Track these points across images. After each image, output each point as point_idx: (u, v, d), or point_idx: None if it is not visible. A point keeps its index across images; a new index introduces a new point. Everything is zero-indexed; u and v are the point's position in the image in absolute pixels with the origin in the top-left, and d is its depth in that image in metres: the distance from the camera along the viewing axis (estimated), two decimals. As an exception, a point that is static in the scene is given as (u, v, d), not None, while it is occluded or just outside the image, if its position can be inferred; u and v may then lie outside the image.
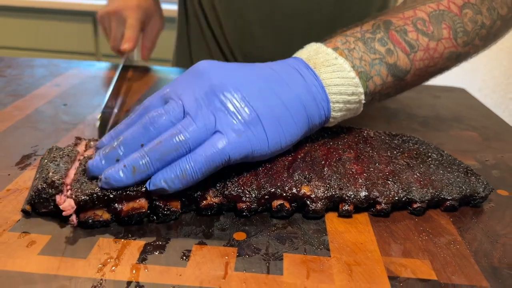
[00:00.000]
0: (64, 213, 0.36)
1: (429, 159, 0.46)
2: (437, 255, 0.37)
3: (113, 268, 0.33)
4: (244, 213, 0.39)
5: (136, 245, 0.36)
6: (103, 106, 0.56)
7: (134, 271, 0.33)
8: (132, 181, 0.36)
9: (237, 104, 0.38)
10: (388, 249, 0.37)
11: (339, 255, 0.36)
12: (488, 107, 0.74)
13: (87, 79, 0.74)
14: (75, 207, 0.36)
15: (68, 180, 0.38)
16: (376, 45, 0.44)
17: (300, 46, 0.46)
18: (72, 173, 0.39)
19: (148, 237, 0.37)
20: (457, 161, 0.47)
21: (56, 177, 0.37)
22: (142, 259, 0.34)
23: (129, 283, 0.32)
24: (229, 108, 0.37)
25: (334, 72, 0.42)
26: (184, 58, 0.91)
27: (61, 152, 0.41)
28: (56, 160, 0.40)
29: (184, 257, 0.34)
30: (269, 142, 0.38)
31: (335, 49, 0.43)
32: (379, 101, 0.48)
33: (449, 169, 0.45)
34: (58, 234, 0.36)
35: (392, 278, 0.34)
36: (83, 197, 0.36)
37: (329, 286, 0.33)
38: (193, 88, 0.39)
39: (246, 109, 0.38)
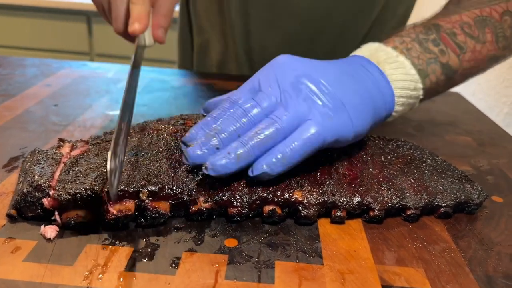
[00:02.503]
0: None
1: (424, 164, 0.46)
2: (431, 263, 0.36)
3: (100, 275, 0.32)
4: (235, 219, 0.39)
5: (124, 252, 0.35)
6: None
7: (121, 279, 0.32)
8: (236, 167, 0.38)
9: (323, 92, 0.40)
10: (381, 257, 0.36)
11: (332, 263, 0.35)
12: (482, 110, 0.74)
13: (79, 79, 0.73)
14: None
15: (54, 183, 0.37)
16: (430, 45, 0.47)
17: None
18: (58, 176, 0.38)
19: (136, 243, 0.36)
20: (452, 167, 0.46)
21: (42, 180, 0.36)
22: (130, 266, 0.33)
23: (116, 291, 0.31)
24: (318, 95, 0.40)
25: (397, 68, 0.45)
26: (187, 58, 0.90)
27: (44, 155, 0.40)
28: (40, 163, 0.39)
29: (174, 265, 0.34)
30: (353, 127, 0.41)
31: (395, 48, 0.46)
32: (430, 97, 0.50)
33: (443, 175, 0.44)
34: (44, 240, 0.35)
35: (386, 287, 0.33)
36: (66, 197, 0.35)
37: (321, 295, 0.32)
38: (279, 80, 0.41)
39: (331, 96, 0.40)
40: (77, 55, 2.21)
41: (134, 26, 0.51)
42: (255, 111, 0.40)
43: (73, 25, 2.15)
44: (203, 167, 0.37)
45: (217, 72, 0.85)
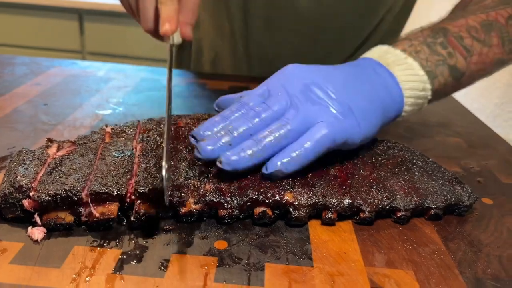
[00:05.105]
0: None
1: (414, 166, 0.46)
2: (421, 265, 0.36)
3: (88, 278, 0.32)
4: (226, 220, 0.38)
5: (112, 254, 0.34)
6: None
7: (109, 281, 0.32)
8: (250, 163, 0.39)
9: (331, 98, 0.42)
10: (371, 259, 0.36)
11: (322, 265, 0.35)
12: (473, 112, 0.74)
13: (69, 78, 0.73)
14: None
15: (36, 184, 0.36)
16: (438, 48, 0.48)
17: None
18: (40, 176, 0.37)
19: (125, 245, 0.35)
20: (442, 169, 0.46)
21: (24, 181, 0.36)
22: (118, 268, 0.33)
23: (104, 294, 0.31)
24: (326, 101, 0.42)
25: (406, 70, 0.46)
26: (181, 56, 0.90)
27: (31, 155, 0.40)
28: (25, 163, 0.38)
29: (162, 267, 0.33)
30: (361, 130, 0.42)
31: (403, 51, 0.48)
32: (438, 99, 0.51)
33: (433, 177, 0.44)
34: (31, 242, 0.35)
35: (375, 289, 0.33)
36: (46, 198, 0.35)
37: (310, 297, 0.32)
38: (288, 87, 0.43)
39: (339, 102, 0.42)
40: (69, 53, 2.19)
41: (166, 27, 0.50)
42: (266, 113, 0.41)
43: (65, 23, 2.14)
44: (217, 161, 0.38)
45: (213, 70, 0.85)
